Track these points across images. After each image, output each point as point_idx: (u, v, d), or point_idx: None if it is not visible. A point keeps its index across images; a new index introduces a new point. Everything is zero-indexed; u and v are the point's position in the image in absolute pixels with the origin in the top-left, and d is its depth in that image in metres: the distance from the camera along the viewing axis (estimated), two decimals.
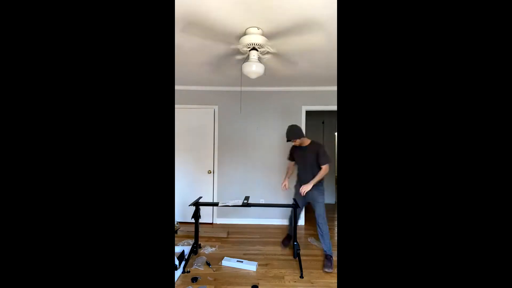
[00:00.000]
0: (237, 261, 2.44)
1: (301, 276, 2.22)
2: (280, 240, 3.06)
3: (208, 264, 2.41)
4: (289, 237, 2.92)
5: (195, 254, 2.62)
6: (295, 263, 2.44)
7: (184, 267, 2.31)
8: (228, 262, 2.43)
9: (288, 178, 2.83)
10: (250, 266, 2.37)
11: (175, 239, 3.16)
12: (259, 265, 2.42)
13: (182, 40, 2.15)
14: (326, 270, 2.33)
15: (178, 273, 2.21)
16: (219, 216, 3.79)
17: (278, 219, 3.74)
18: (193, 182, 3.75)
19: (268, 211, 3.74)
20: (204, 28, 1.93)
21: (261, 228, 3.54)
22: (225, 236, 3.23)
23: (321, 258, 2.59)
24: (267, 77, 3.18)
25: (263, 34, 1.97)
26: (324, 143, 5.34)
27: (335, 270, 2.33)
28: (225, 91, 3.74)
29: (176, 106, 3.72)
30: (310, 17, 1.73)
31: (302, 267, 2.33)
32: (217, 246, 2.91)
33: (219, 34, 2.02)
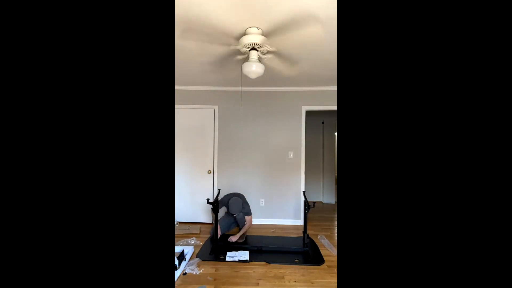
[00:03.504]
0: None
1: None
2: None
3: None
4: None
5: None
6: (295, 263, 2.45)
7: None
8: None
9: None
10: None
11: (175, 239, 3.16)
12: (259, 265, 2.42)
13: (182, 42, 2.16)
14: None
15: (178, 273, 2.22)
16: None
17: (279, 218, 3.74)
18: (193, 182, 3.75)
19: (268, 211, 3.75)
20: (204, 29, 1.93)
21: (261, 228, 3.54)
22: None
23: (327, 258, 2.59)
24: (267, 77, 3.18)
25: (262, 34, 1.97)
26: (324, 143, 5.36)
27: (335, 270, 2.33)
28: (225, 91, 3.74)
29: (176, 106, 3.72)
30: (306, 9, 1.71)
31: (304, 268, 2.33)
32: None
33: (219, 35, 2.03)
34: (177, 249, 2.62)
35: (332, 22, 1.83)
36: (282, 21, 1.81)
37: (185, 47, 2.28)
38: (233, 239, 2.93)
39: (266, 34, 1.99)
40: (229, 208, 3.00)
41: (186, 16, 1.76)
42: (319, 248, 2.84)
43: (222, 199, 3.14)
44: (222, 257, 2.55)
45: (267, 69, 2.83)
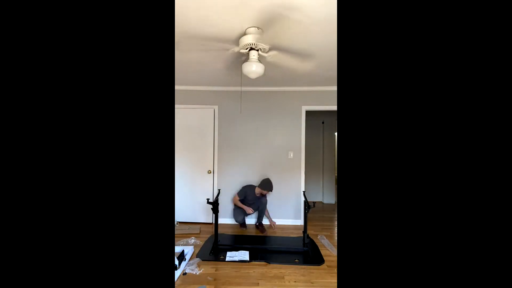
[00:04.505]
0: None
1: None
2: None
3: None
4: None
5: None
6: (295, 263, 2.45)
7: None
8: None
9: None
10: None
11: (175, 239, 3.16)
12: (259, 265, 2.42)
13: (182, 42, 2.15)
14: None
15: (178, 273, 2.22)
16: (219, 216, 3.78)
17: (278, 218, 3.74)
18: (193, 182, 3.75)
19: (269, 211, 3.74)
20: (204, 30, 1.93)
21: None
22: None
23: (327, 258, 2.59)
24: (267, 77, 3.18)
25: (262, 34, 1.97)
26: (324, 143, 5.36)
27: (335, 270, 2.33)
28: (225, 91, 3.74)
29: (176, 106, 3.72)
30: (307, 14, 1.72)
31: (304, 268, 2.33)
32: None
33: (219, 35, 2.03)
34: (177, 249, 2.62)
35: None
36: (283, 20, 1.81)
37: (185, 47, 2.28)
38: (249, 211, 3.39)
39: (266, 34, 1.98)
40: (263, 187, 3.34)
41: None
42: (319, 248, 2.84)
43: (244, 189, 3.47)
44: (222, 257, 2.55)
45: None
